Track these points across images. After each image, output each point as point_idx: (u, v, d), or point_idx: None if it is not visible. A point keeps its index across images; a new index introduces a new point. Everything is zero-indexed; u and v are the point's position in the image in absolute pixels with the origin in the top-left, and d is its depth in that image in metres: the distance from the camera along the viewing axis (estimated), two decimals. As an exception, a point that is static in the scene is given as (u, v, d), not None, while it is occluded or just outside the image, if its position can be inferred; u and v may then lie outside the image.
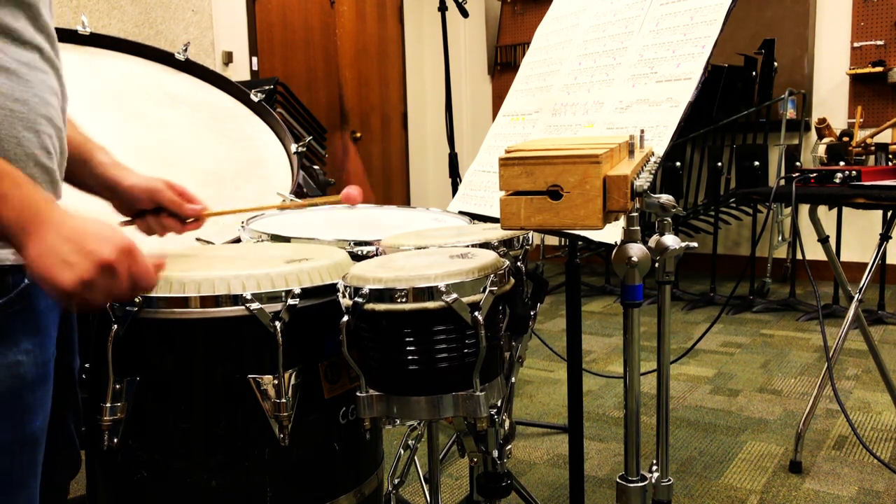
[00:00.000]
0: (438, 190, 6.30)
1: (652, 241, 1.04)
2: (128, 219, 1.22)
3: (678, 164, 4.59)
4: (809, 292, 4.57)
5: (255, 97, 2.10)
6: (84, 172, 1.14)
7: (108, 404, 1.07)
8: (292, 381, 1.09)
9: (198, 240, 1.60)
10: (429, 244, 1.32)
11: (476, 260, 1.11)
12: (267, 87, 3.35)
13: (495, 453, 1.35)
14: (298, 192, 1.98)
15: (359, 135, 5.66)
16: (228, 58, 4.54)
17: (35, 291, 0.90)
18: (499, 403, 1.31)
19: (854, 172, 2.22)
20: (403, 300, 1.03)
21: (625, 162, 1.00)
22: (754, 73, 4.61)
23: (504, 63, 6.09)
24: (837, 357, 2.63)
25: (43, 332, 0.92)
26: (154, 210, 1.21)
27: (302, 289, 1.09)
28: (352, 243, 1.41)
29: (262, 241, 1.47)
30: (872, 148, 2.60)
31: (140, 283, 0.86)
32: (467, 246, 1.29)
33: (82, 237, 0.81)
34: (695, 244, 1.09)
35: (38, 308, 0.91)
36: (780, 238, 4.80)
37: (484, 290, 1.05)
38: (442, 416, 1.08)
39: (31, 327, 0.90)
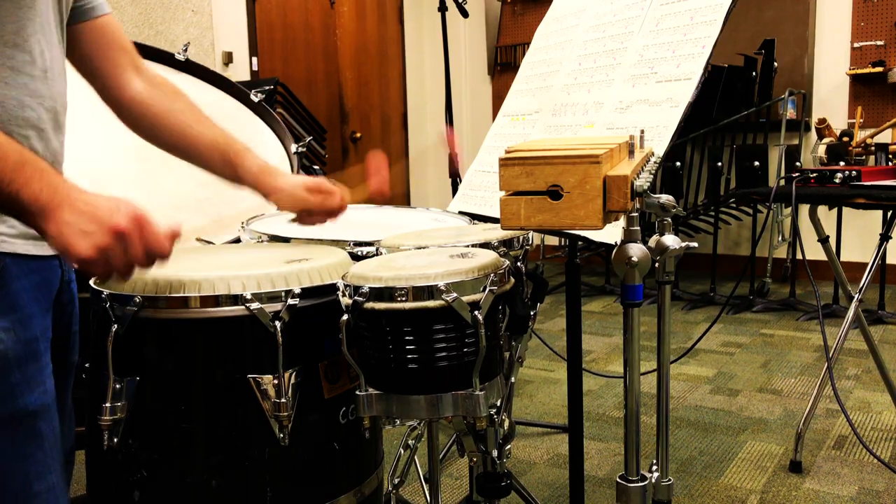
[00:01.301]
0: (438, 190, 6.30)
1: (652, 241, 1.04)
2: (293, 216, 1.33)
3: (678, 164, 4.59)
4: (809, 292, 4.57)
5: (255, 97, 2.10)
6: (234, 176, 1.26)
7: (108, 404, 1.07)
8: (292, 381, 1.09)
9: (198, 240, 1.60)
10: (429, 244, 1.32)
11: (476, 259, 1.11)
12: (267, 88, 3.35)
13: (495, 453, 1.35)
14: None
15: (359, 135, 5.66)
16: (228, 58, 4.54)
17: (8, 275, 0.95)
18: (498, 403, 1.31)
19: (854, 172, 2.22)
20: (403, 299, 1.03)
21: (625, 162, 1.00)
22: (754, 74, 4.61)
23: (504, 63, 6.09)
24: (837, 357, 2.63)
25: (21, 310, 0.96)
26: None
27: (302, 289, 1.10)
28: (352, 243, 1.41)
29: (262, 241, 1.47)
30: (872, 148, 2.60)
31: (153, 250, 0.91)
32: (467, 246, 1.29)
33: (95, 209, 0.88)
34: (695, 244, 1.09)
35: (14, 289, 0.96)
36: (780, 238, 4.80)
37: (484, 290, 1.05)
38: (441, 416, 1.08)
39: (8, 307, 0.94)
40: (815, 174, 2.29)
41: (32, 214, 0.86)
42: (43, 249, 1.01)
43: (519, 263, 1.39)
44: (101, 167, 1.72)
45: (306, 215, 1.32)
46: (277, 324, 1.07)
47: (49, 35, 0.99)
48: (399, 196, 6.19)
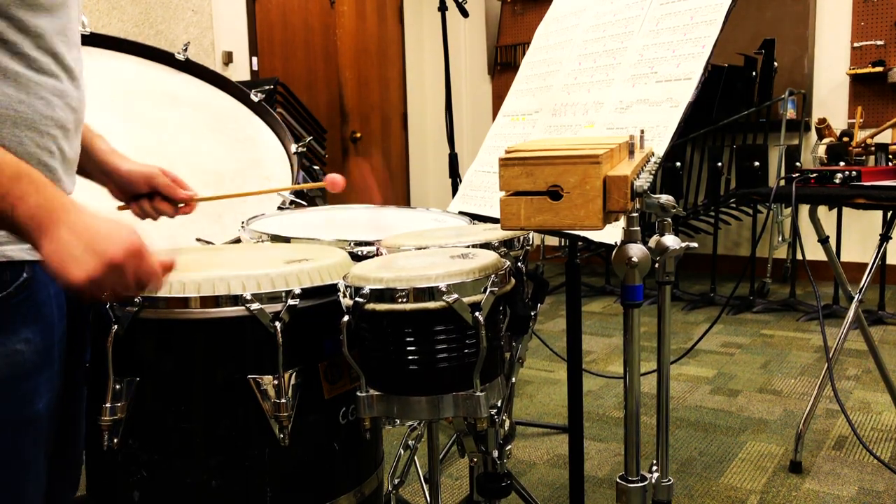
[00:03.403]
0: (438, 190, 6.30)
1: (652, 242, 1.04)
2: (123, 203, 1.29)
3: (678, 164, 4.59)
4: (809, 292, 4.57)
5: (255, 97, 2.10)
6: (83, 159, 1.19)
7: (108, 404, 1.07)
8: (292, 382, 1.09)
9: (198, 240, 1.60)
10: (429, 244, 1.32)
11: (477, 260, 1.11)
12: (267, 87, 3.35)
13: (495, 453, 1.35)
14: (298, 192, 1.98)
15: (359, 135, 5.66)
16: (228, 58, 4.54)
17: (35, 284, 0.94)
18: (499, 403, 1.31)
19: (854, 173, 2.22)
20: (404, 300, 1.03)
21: (625, 162, 1.00)
22: (754, 73, 4.61)
23: (504, 63, 6.09)
24: (837, 357, 2.63)
25: (44, 320, 0.96)
26: (149, 194, 1.29)
27: (302, 289, 1.09)
28: (352, 243, 1.41)
29: (262, 241, 1.47)
30: (872, 148, 2.60)
31: (147, 284, 0.90)
32: (468, 246, 1.29)
33: (93, 236, 0.85)
34: (695, 244, 1.09)
35: (39, 299, 0.95)
36: (780, 238, 4.80)
37: (485, 291, 1.05)
38: (442, 417, 1.08)
39: (32, 317, 0.94)
40: (815, 174, 2.29)
41: (28, 230, 0.83)
42: None
43: (519, 264, 1.39)
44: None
45: (147, 203, 1.28)
46: (277, 324, 1.06)
47: (71, 36, 1.00)
48: (399, 196, 6.19)
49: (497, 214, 0.97)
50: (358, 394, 1.08)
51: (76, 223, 0.84)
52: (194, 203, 1.33)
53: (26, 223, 0.83)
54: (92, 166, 1.22)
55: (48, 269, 0.84)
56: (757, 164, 4.35)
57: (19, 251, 0.92)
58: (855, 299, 2.38)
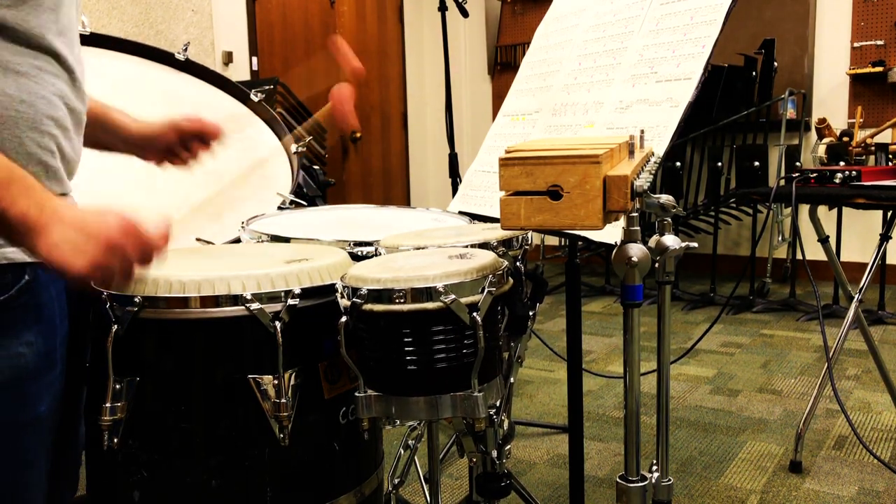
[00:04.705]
0: (438, 190, 6.30)
1: (652, 242, 1.04)
2: (157, 161, 1.31)
3: (678, 164, 4.59)
4: (809, 292, 4.57)
5: (255, 97, 2.10)
6: (109, 137, 1.25)
7: (108, 404, 1.07)
8: (292, 382, 1.09)
9: (198, 240, 1.60)
10: (428, 244, 1.32)
11: (475, 260, 1.10)
12: (267, 87, 3.35)
13: (494, 453, 1.35)
14: (298, 192, 1.98)
15: (359, 135, 5.66)
16: (228, 58, 4.54)
17: (37, 285, 0.94)
18: (497, 403, 1.31)
19: (854, 172, 2.22)
20: (402, 301, 1.03)
21: (625, 162, 1.00)
22: (754, 73, 4.61)
23: (504, 63, 6.09)
24: (837, 357, 2.63)
25: (46, 322, 0.96)
26: (182, 143, 1.31)
27: (302, 289, 1.09)
28: (352, 243, 1.41)
29: (262, 241, 1.47)
30: (872, 148, 2.60)
31: (149, 253, 0.91)
32: (466, 246, 1.29)
33: (84, 223, 0.86)
34: (695, 244, 1.09)
35: (42, 300, 0.96)
36: (780, 238, 4.80)
37: (482, 291, 1.05)
38: (440, 417, 1.08)
39: (34, 319, 0.94)
40: (815, 174, 2.29)
41: (20, 234, 0.84)
42: None
43: (518, 263, 1.38)
44: (102, 166, 1.72)
45: (184, 152, 1.31)
46: (277, 324, 1.06)
47: (71, 36, 1.00)
48: (399, 196, 6.18)
49: (497, 214, 0.97)
50: (356, 394, 1.08)
51: (65, 217, 0.86)
52: (223, 134, 1.33)
53: (17, 226, 0.83)
54: (122, 143, 1.26)
55: (50, 267, 0.85)
56: (757, 163, 4.35)
57: (20, 253, 0.92)
58: (855, 299, 2.38)
